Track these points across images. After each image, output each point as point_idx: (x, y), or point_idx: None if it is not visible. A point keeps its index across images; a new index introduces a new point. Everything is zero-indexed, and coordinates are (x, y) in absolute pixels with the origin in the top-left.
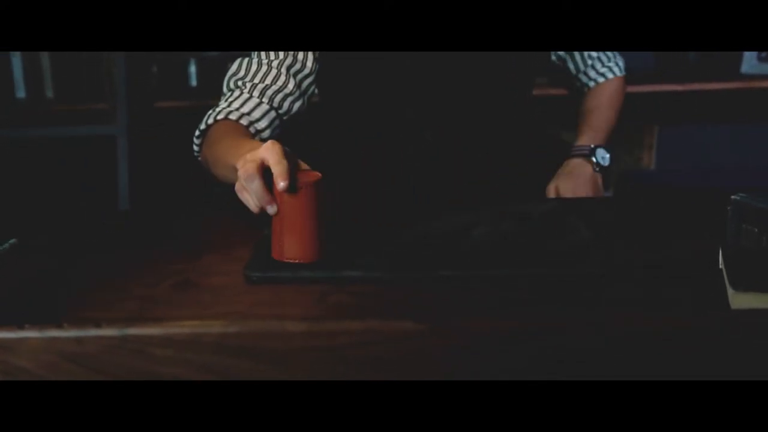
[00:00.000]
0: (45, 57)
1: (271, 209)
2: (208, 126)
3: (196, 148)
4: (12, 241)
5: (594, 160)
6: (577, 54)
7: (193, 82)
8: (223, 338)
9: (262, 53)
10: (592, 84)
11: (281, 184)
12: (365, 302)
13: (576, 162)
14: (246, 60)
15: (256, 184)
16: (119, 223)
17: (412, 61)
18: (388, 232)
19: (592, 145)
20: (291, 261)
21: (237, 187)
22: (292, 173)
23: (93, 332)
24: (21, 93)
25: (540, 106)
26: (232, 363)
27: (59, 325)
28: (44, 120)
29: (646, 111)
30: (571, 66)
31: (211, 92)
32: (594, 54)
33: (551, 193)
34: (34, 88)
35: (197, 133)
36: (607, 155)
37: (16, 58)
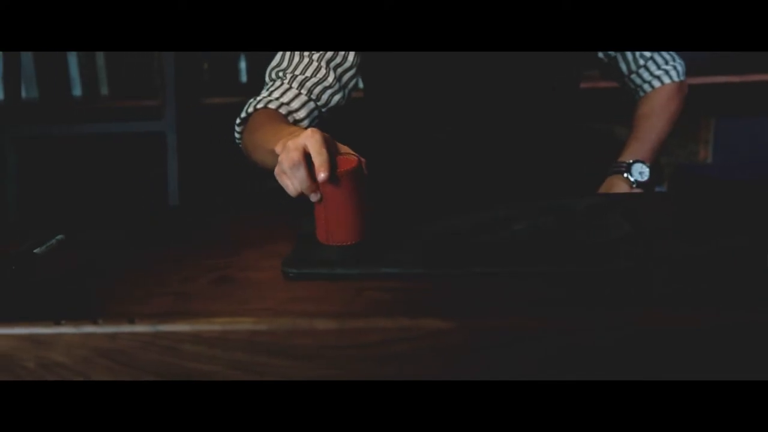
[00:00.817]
0: (100, 56)
1: (315, 197)
2: (248, 114)
3: (237, 135)
4: (59, 237)
5: (630, 178)
6: (629, 53)
7: (243, 78)
8: (253, 336)
9: None
10: (646, 87)
11: (322, 175)
12: (400, 299)
13: (612, 180)
14: (288, 52)
15: (301, 173)
16: (164, 219)
17: (456, 59)
18: (426, 228)
19: (631, 161)
20: (337, 244)
21: (277, 171)
22: (332, 161)
23: (126, 329)
24: (77, 91)
25: (590, 100)
26: (262, 360)
27: (94, 322)
28: (99, 116)
29: (703, 103)
30: (623, 66)
31: (261, 88)
32: (647, 54)
33: None
34: (89, 86)
35: (238, 121)
36: (646, 170)
37: (72, 57)
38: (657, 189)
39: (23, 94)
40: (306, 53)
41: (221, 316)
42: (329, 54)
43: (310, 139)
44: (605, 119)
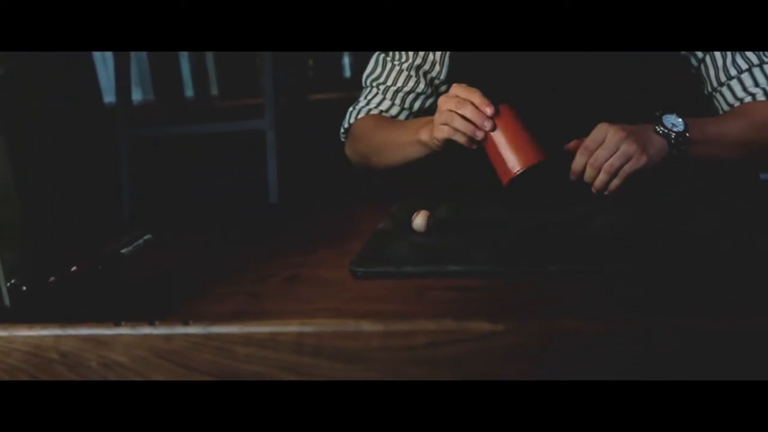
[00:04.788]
0: (209, 57)
1: (488, 123)
2: (350, 124)
3: (343, 140)
4: (147, 237)
5: (658, 126)
6: (719, 56)
7: (347, 74)
8: (301, 337)
9: (396, 53)
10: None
11: (488, 109)
12: (466, 298)
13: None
14: (381, 59)
15: (469, 109)
16: (257, 217)
17: (540, 60)
18: (501, 224)
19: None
20: (524, 169)
21: (440, 130)
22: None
23: (180, 330)
24: (189, 92)
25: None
26: (310, 362)
27: (151, 323)
28: (209, 116)
29: None
30: (712, 73)
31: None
32: (743, 64)
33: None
34: (200, 87)
35: (342, 130)
36: (680, 120)
37: (184, 59)
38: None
39: (140, 97)
40: (396, 62)
41: (286, 317)
42: (418, 61)
43: (461, 89)
44: None
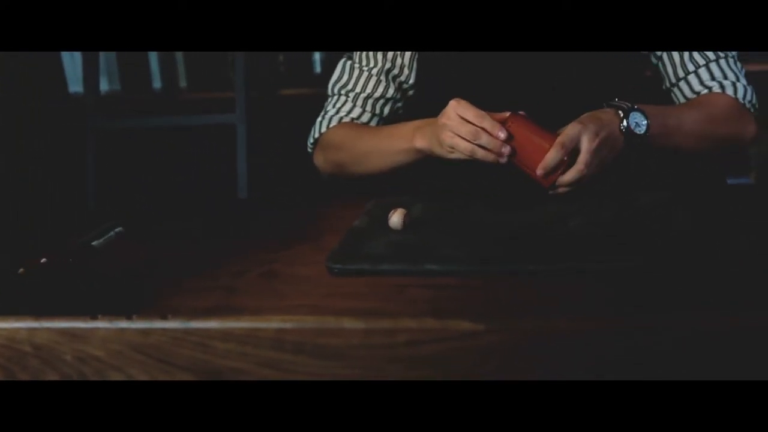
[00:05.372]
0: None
1: (506, 149)
2: (321, 134)
3: (310, 151)
4: (118, 229)
5: (623, 122)
6: (676, 54)
7: (318, 70)
8: (281, 334)
9: (363, 58)
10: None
11: (501, 135)
12: (443, 297)
13: (605, 112)
14: (348, 65)
15: (485, 138)
16: (228, 211)
17: (507, 62)
18: (478, 225)
19: (636, 106)
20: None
21: (458, 152)
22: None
23: (159, 324)
24: (157, 84)
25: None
26: (291, 359)
27: (128, 317)
28: (177, 109)
29: None
30: (669, 70)
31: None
32: (700, 59)
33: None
34: (169, 79)
35: (311, 140)
36: (645, 122)
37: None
38: (742, 181)
39: (106, 87)
40: (365, 68)
41: (260, 313)
42: (387, 65)
43: (462, 109)
44: None
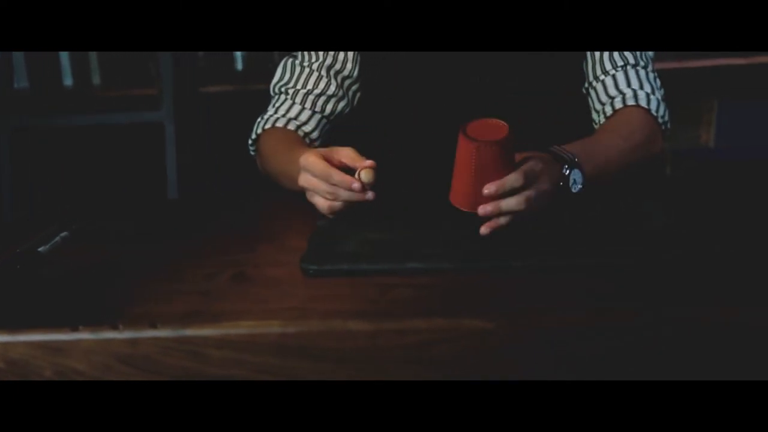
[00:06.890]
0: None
1: (369, 194)
2: (258, 135)
3: (252, 153)
4: (63, 234)
5: (567, 175)
6: (597, 54)
7: (239, 66)
8: (283, 338)
9: (305, 55)
10: (608, 110)
11: (355, 185)
12: (431, 296)
13: (556, 166)
14: (289, 64)
15: (345, 194)
16: (166, 211)
17: (454, 60)
18: (454, 222)
19: (577, 160)
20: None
21: (324, 212)
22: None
23: (148, 333)
24: (68, 80)
25: None
26: (292, 364)
27: (114, 326)
28: (91, 107)
29: (704, 85)
30: (590, 67)
31: (257, 77)
32: (620, 62)
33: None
34: (80, 76)
35: (250, 142)
36: (581, 181)
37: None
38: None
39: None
40: (306, 63)
41: (245, 318)
42: (329, 61)
43: (312, 171)
44: None
